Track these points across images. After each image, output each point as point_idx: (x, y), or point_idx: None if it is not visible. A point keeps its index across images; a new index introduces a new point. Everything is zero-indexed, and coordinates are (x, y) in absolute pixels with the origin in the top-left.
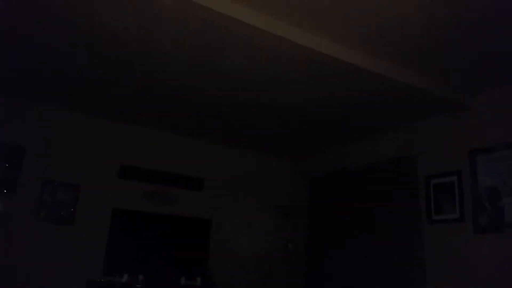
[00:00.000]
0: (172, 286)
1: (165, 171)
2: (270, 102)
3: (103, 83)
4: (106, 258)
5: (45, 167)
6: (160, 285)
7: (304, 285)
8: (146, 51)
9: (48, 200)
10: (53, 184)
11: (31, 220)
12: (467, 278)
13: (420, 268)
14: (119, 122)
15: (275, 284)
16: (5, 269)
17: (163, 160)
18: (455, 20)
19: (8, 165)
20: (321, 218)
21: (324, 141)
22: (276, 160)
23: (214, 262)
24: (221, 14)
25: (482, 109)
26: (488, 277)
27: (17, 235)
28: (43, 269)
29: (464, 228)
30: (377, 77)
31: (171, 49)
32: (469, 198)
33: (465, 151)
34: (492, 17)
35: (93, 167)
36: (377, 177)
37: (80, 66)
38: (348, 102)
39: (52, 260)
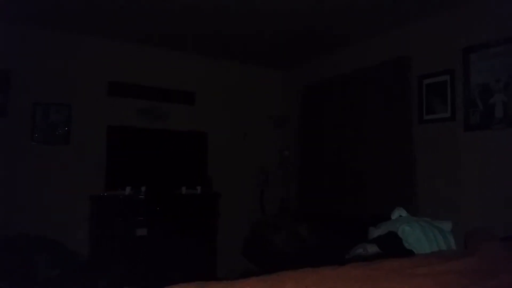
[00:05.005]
0: (174, 195)
1: (155, 86)
2: (257, 8)
3: None
4: (107, 174)
5: (34, 88)
6: (162, 195)
7: (298, 190)
8: None
9: (41, 121)
10: (44, 105)
11: (26, 143)
12: (456, 174)
13: (410, 167)
14: (106, 38)
15: (272, 190)
16: (7, 193)
17: (152, 75)
18: None
19: None
20: (313, 124)
21: (315, 48)
22: (267, 71)
23: (212, 172)
24: None
25: (477, 4)
26: (476, 172)
27: (14, 159)
28: (45, 190)
29: (455, 127)
30: None
31: None
32: (460, 97)
33: (459, 49)
34: None
35: (82, 86)
36: (370, 81)
37: None
38: (341, 4)
39: (52, 180)
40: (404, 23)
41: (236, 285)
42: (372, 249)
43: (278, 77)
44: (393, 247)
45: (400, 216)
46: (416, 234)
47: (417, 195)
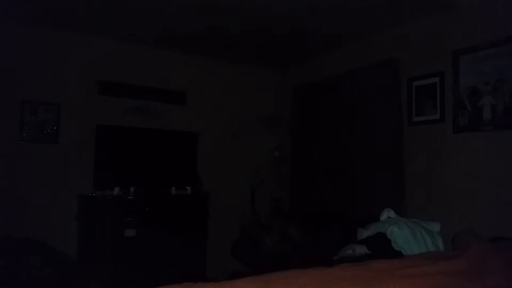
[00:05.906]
0: (163, 196)
1: (146, 86)
2: (249, 7)
3: None
4: (96, 174)
5: (22, 87)
6: (152, 195)
7: (290, 190)
8: None
9: (30, 120)
10: (33, 104)
11: (14, 141)
12: (444, 175)
13: (400, 168)
14: (96, 37)
15: (264, 190)
16: None
17: (143, 75)
18: None
19: None
20: (305, 125)
21: (308, 49)
22: (260, 71)
23: (204, 172)
24: None
25: (467, 6)
26: (465, 173)
27: (1, 158)
28: (34, 188)
29: (444, 128)
30: None
31: None
32: (450, 99)
33: (449, 52)
34: None
35: (72, 85)
36: (360, 83)
37: None
38: (332, 6)
39: (41, 179)
40: (395, 25)
41: (226, 286)
42: (361, 250)
43: (271, 77)
44: (382, 248)
45: (389, 217)
46: (404, 235)
47: (406, 196)
